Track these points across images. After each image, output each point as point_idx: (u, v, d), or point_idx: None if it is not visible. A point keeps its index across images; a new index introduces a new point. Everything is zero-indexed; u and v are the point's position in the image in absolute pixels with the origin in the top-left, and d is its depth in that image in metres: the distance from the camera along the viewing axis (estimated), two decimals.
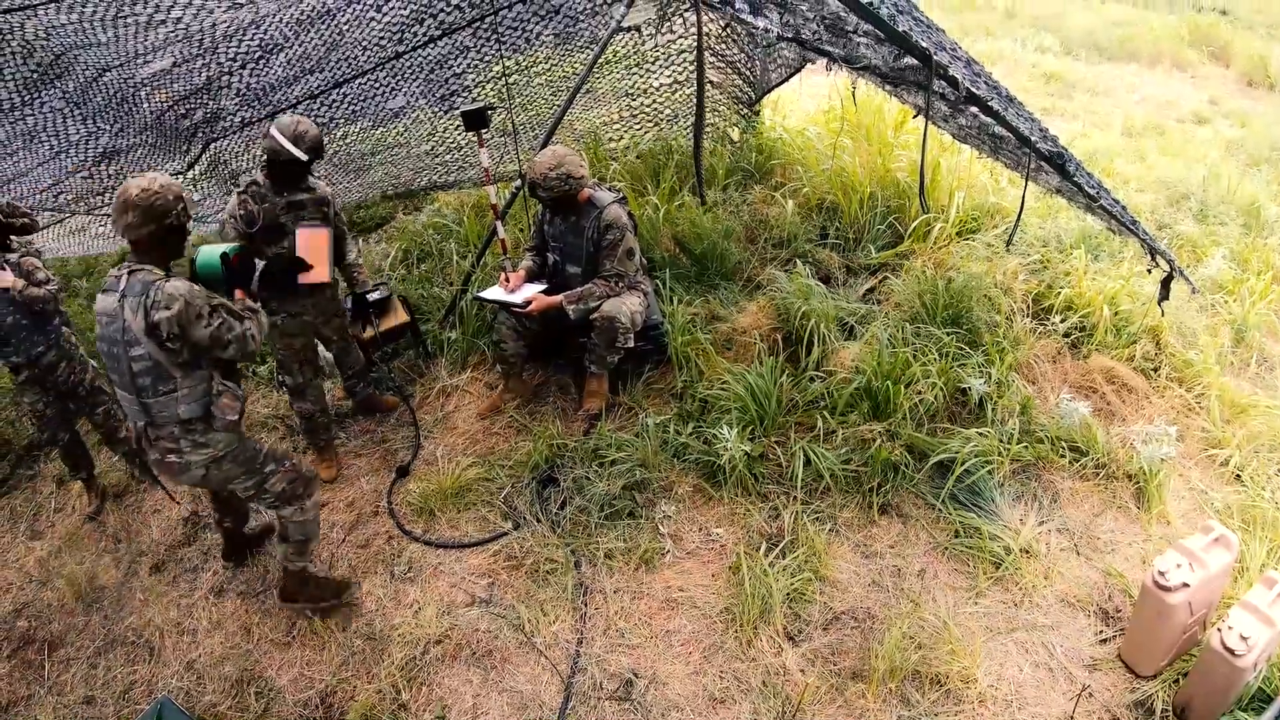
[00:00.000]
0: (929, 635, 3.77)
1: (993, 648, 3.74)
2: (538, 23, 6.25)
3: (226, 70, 5.68)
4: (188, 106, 5.98)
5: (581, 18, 6.52)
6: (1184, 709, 3.40)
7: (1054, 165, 3.95)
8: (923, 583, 4.07)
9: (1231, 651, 3.09)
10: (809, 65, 7.13)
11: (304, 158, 4.48)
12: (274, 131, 4.47)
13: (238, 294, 3.76)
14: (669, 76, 7.13)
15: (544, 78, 7.14)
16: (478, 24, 5.93)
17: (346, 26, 5.68)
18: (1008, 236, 5.75)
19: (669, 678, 3.70)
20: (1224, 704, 3.29)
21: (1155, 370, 5.21)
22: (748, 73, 7.39)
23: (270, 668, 4.01)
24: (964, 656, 3.63)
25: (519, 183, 5.62)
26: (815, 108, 8.31)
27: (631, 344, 4.99)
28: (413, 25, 5.84)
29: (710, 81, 7.15)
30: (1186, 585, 3.30)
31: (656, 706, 3.59)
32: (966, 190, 6.35)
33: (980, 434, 4.55)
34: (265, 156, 4.55)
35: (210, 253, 3.81)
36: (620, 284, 4.98)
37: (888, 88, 5.15)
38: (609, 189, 5.08)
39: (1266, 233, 7.05)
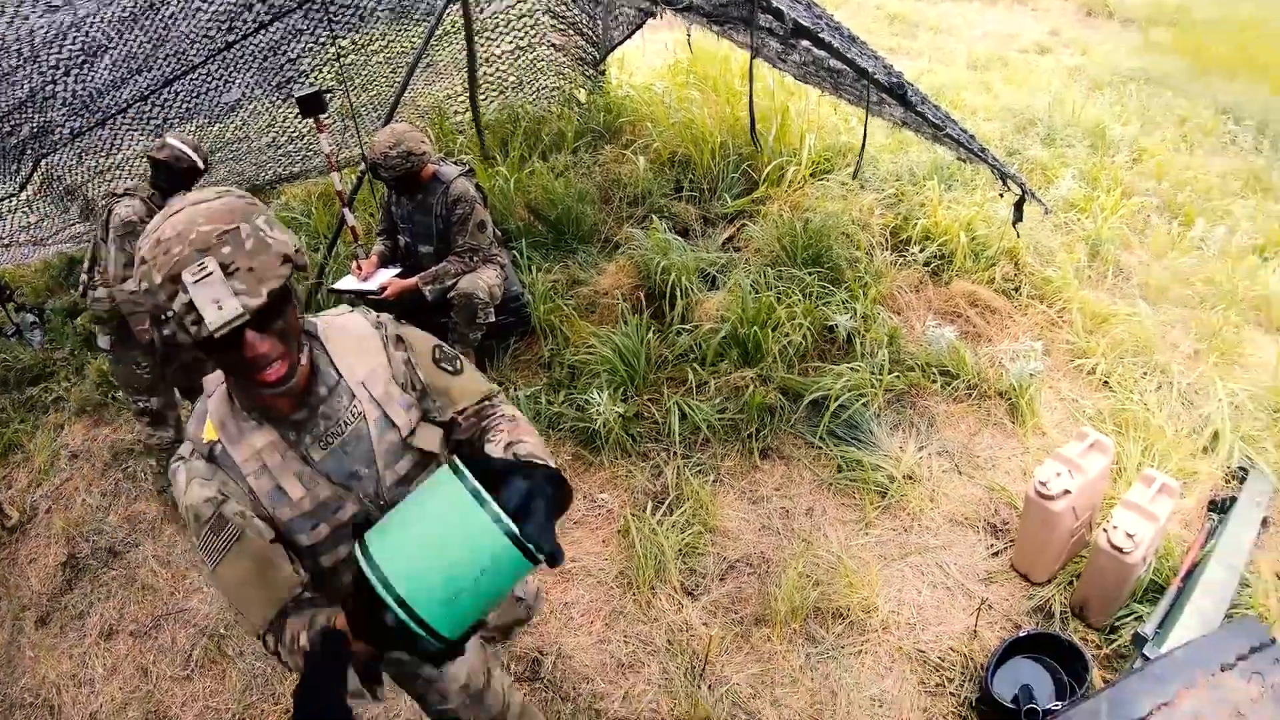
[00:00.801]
0: (825, 571, 3.94)
1: (889, 575, 3.94)
2: None
3: (50, 79, 5.45)
4: (13, 123, 5.72)
5: None
6: (1082, 608, 3.65)
7: (895, 96, 4.11)
8: (812, 521, 4.24)
9: (1119, 549, 3.32)
10: (651, 20, 7.28)
11: (202, 165, 4.52)
12: (172, 140, 4.48)
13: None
14: (510, 43, 7.24)
15: (382, 55, 7.10)
16: (309, 4, 5.85)
17: (172, 20, 5.52)
18: (854, 170, 6.00)
19: (574, 650, 3.77)
20: (1119, 599, 3.55)
21: (1016, 290, 5.53)
22: (590, 33, 7.51)
23: (174, 705, 3.91)
24: (862, 587, 3.81)
25: (364, 167, 5.59)
26: (661, 63, 8.48)
27: (493, 318, 5.03)
28: (241, 12, 5.72)
29: (552, 44, 7.28)
30: (1068, 491, 3.52)
31: (567, 681, 3.65)
32: (817, 132, 6.59)
33: (851, 368, 4.77)
34: (156, 167, 4.56)
35: None
36: (475, 259, 5.01)
37: (715, 29, 5.29)
38: (455, 163, 5.11)
39: (1113, 151, 7.55)
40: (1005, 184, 5.04)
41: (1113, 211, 6.32)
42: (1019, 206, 5.01)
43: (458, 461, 1.51)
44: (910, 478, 4.36)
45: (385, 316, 2.05)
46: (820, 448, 4.57)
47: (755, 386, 4.73)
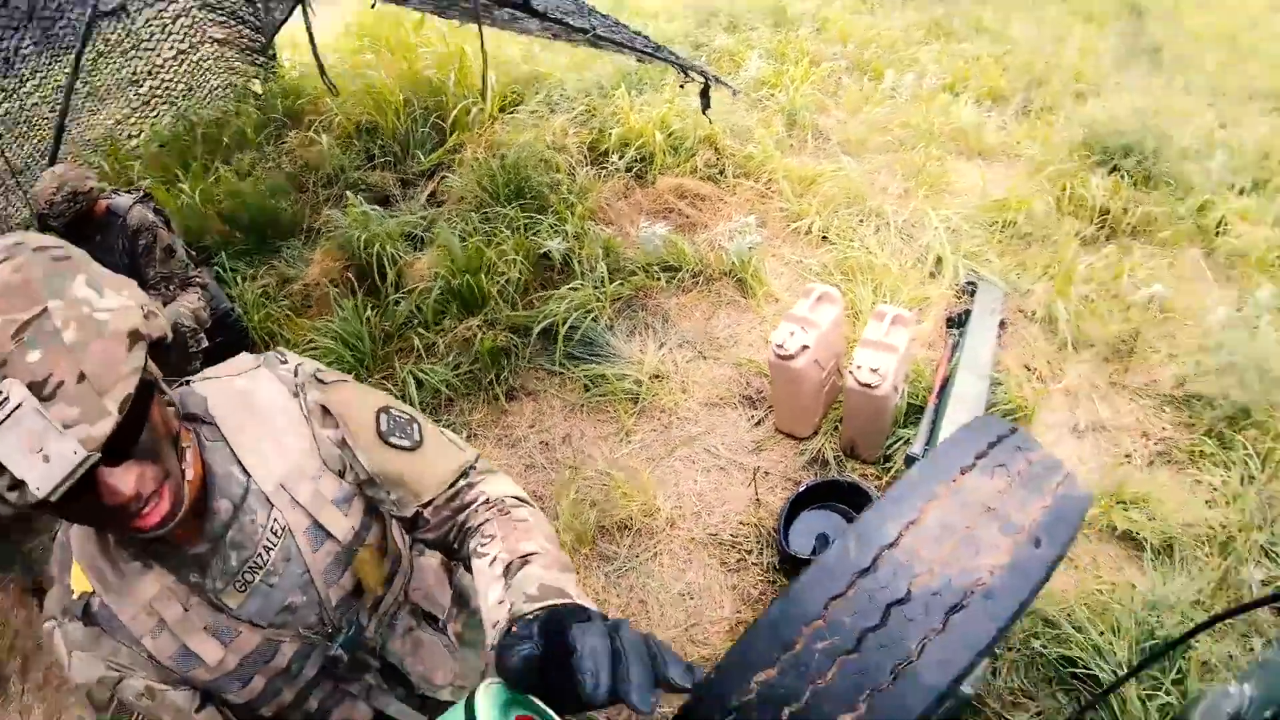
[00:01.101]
0: (598, 490, 4.02)
1: (661, 474, 4.06)
2: (12, 36, 5.80)
3: None
4: None
5: (61, 14, 6.09)
6: (852, 448, 3.90)
7: (516, 6, 4.10)
8: (572, 446, 4.32)
9: (868, 386, 3.52)
10: None
11: None
12: None
13: None
14: (172, 48, 6.98)
15: (38, 95, 6.63)
16: None
17: None
18: (481, 90, 6.11)
19: None
20: (883, 430, 3.79)
21: (721, 174, 5.75)
22: (251, 19, 7.30)
23: None
24: (638, 494, 3.91)
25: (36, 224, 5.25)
26: (332, 34, 8.30)
27: (206, 343, 4.83)
28: None
29: (214, 40, 7.08)
30: (806, 347, 3.69)
31: None
32: (499, 68, 6.59)
33: (573, 289, 4.87)
34: None
35: None
36: (171, 287, 4.78)
37: None
38: (128, 192, 4.85)
39: (796, 27, 7.92)
40: (686, 75, 5.20)
41: (803, 80, 6.64)
42: (705, 94, 5.19)
43: (479, 700, 0.94)
44: (657, 376, 4.49)
45: (304, 369, 1.44)
46: (563, 373, 4.64)
47: (483, 333, 4.75)
